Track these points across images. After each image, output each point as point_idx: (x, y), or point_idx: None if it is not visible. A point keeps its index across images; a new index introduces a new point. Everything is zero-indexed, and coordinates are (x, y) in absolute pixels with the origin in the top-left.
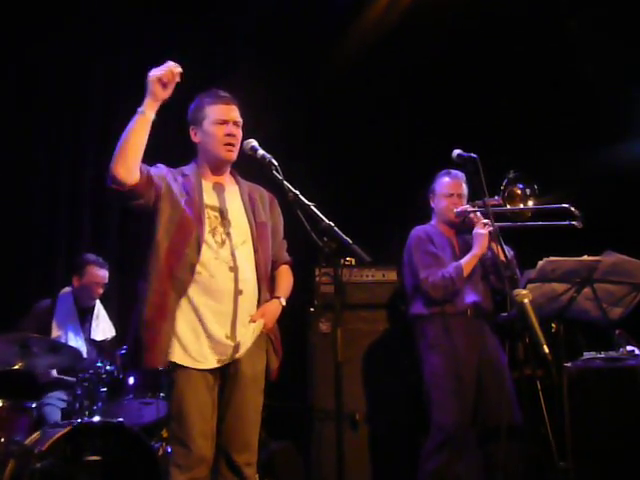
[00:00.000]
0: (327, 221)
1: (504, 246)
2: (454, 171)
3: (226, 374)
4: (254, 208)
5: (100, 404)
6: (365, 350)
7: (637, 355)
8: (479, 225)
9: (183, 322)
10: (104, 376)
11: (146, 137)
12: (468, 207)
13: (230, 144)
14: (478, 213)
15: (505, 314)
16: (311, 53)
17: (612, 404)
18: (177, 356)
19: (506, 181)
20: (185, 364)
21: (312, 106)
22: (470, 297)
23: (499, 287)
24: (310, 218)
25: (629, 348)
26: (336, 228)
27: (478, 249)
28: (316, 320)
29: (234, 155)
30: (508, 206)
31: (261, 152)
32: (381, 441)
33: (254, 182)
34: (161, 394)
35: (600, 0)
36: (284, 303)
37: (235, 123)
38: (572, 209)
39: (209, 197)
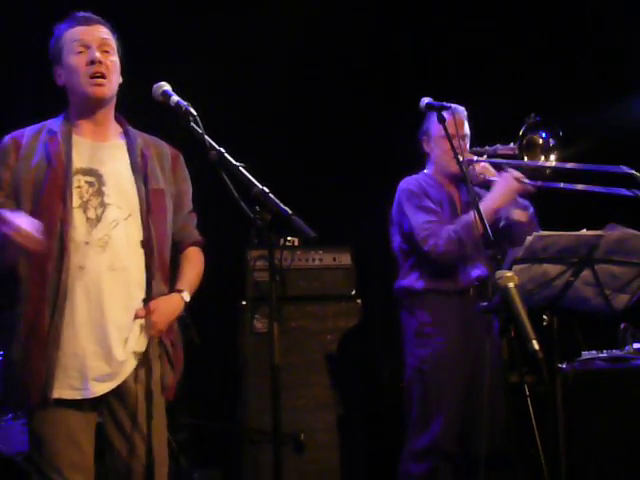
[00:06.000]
0: (260, 186)
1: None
2: (453, 105)
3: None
4: (147, 169)
5: None
6: (312, 354)
7: None
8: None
9: (66, 340)
10: None
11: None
12: (476, 157)
13: (97, 75)
14: (488, 164)
15: (485, 303)
16: None
17: (616, 414)
18: (61, 390)
19: (525, 127)
20: (70, 397)
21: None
22: (474, 270)
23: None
24: (239, 183)
25: (636, 345)
26: (272, 195)
27: (498, 199)
28: (249, 317)
29: (105, 90)
30: (526, 158)
31: (175, 98)
32: (333, 468)
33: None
34: None
35: None
36: (187, 299)
37: (101, 46)
38: (636, 174)
39: (81, 158)
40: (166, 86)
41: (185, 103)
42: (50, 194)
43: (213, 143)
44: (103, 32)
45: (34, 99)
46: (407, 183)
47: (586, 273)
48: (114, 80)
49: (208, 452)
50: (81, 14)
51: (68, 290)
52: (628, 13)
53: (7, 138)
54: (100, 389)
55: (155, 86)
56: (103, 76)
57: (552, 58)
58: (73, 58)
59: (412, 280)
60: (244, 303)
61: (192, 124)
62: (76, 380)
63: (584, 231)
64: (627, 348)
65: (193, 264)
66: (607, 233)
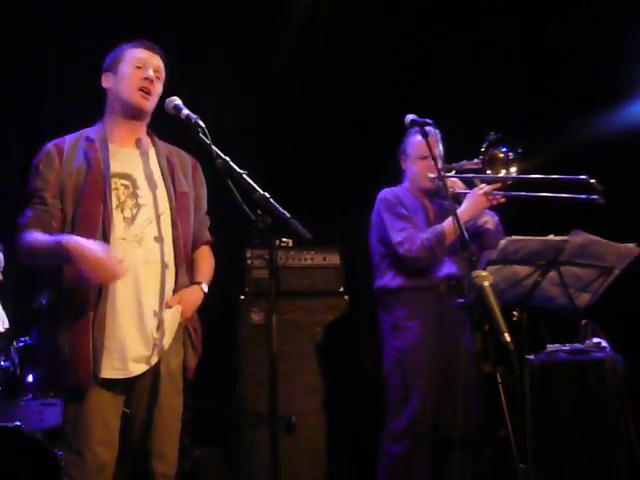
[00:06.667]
0: (261, 192)
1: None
2: (428, 128)
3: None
4: (174, 175)
5: None
6: (303, 344)
7: (604, 347)
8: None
9: (110, 326)
10: None
11: None
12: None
13: (146, 90)
14: (457, 179)
15: (462, 299)
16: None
17: (577, 400)
18: (106, 371)
19: (487, 143)
20: (113, 377)
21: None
22: (445, 269)
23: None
24: (242, 189)
25: (595, 340)
26: (272, 200)
27: (468, 213)
28: (247, 310)
29: (148, 104)
30: (489, 172)
31: (186, 112)
32: (321, 448)
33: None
34: None
35: None
36: (205, 290)
37: (156, 72)
38: (592, 182)
39: (117, 163)
40: (177, 100)
41: (194, 116)
42: (91, 195)
43: (219, 152)
44: (160, 62)
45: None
46: (385, 193)
47: (552, 274)
48: (155, 101)
49: (208, 432)
50: (148, 42)
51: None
52: (591, 32)
53: (50, 145)
54: (138, 369)
55: (167, 100)
56: (150, 92)
57: (513, 78)
58: (130, 70)
59: (388, 279)
60: (242, 297)
61: (200, 135)
62: (117, 361)
63: (551, 236)
64: (587, 342)
65: (207, 261)
66: (572, 238)
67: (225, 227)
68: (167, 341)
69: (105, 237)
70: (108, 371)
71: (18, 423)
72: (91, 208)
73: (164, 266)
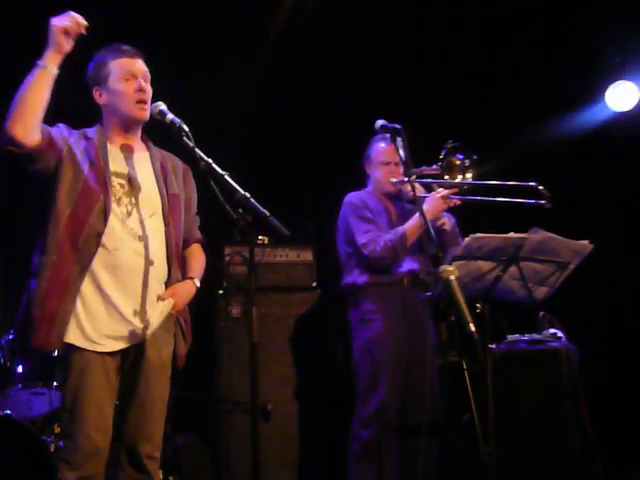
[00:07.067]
0: (243, 192)
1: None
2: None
3: (128, 359)
4: (166, 178)
5: None
6: (278, 336)
7: (560, 337)
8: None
9: (85, 299)
10: None
11: (48, 93)
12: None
13: (142, 101)
14: (416, 183)
15: (429, 293)
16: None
17: (534, 387)
18: (73, 337)
19: (445, 151)
20: (83, 346)
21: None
22: (407, 265)
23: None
24: (224, 189)
25: (552, 330)
26: (252, 199)
27: (427, 214)
28: (225, 303)
29: (147, 114)
30: (447, 177)
31: (170, 116)
32: (294, 434)
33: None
34: (54, 383)
35: None
36: (198, 284)
37: (144, 77)
38: (540, 188)
39: (115, 163)
40: (162, 105)
41: (178, 120)
42: (93, 186)
43: (202, 155)
44: (144, 65)
45: None
46: (350, 197)
47: (513, 269)
48: (150, 106)
49: (189, 419)
50: (126, 47)
51: (95, 261)
52: (545, 41)
53: (63, 125)
54: (112, 346)
55: (153, 105)
56: (146, 102)
57: (471, 88)
58: (122, 85)
59: (355, 276)
60: (221, 292)
61: (184, 138)
62: (93, 334)
63: (512, 234)
64: (545, 332)
65: (198, 258)
66: (531, 236)
67: (204, 225)
68: (151, 328)
69: (105, 208)
70: (79, 339)
71: (8, 412)
72: (92, 195)
73: (149, 262)
